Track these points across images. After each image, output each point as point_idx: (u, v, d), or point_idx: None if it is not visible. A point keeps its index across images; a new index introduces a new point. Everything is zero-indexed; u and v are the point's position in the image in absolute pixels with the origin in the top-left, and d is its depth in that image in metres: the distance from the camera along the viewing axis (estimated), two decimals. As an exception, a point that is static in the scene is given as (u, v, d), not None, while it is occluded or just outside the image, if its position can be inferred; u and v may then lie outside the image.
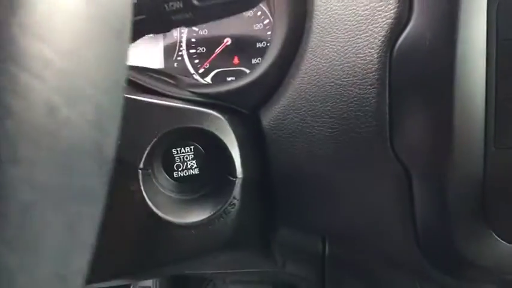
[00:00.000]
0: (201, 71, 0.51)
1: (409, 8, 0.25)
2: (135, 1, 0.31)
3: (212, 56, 0.51)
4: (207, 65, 0.51)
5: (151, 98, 0.29)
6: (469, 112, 0.24)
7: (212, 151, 0.30)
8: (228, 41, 0.51)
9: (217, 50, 0.51)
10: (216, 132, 0.29)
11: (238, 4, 0.33)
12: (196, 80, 0.50)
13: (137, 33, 0.29)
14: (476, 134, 0.24)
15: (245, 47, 0.49)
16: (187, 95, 0.34)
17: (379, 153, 0.28)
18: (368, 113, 0.27)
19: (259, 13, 0.49)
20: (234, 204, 0.29)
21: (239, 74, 0.50)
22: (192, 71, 0.51)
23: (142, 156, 0.27)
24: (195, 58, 0.52)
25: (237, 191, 0.29)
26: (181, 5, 0.31)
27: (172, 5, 0.31)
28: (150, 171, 0.28)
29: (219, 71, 0.50)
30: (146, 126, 0.28)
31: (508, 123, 0.24)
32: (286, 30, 0.32)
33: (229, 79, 0.50)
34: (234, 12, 0.34)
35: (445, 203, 0.25)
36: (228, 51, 0.50)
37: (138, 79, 0.36)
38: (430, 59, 0.24)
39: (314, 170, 0.30)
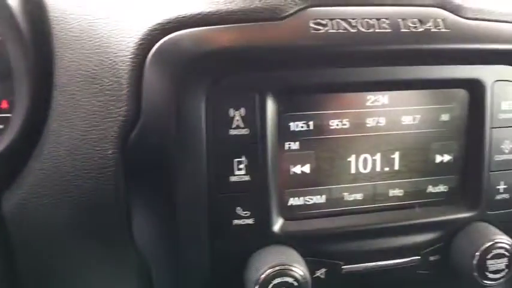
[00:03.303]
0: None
1: (138, 107, 0.25)
2: None
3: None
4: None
5: None
6: (191, 203, 0.26)
7: None
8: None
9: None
10: None
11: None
12: None
13: None
14: (199, 222, 0.26)
15: None
16: None
17: (120, 245, 0.27)
18: (108, 206, 0.27)
19: None
20: None
21: None
22: None
23: None
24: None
25: None
26: None
27: None
28: None
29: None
30: None
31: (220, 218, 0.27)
32: (27, 107, 0.29)
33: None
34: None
35: None
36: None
37: None
38: (158, 150, 0.25)
39: (57, 264, 0.29)
